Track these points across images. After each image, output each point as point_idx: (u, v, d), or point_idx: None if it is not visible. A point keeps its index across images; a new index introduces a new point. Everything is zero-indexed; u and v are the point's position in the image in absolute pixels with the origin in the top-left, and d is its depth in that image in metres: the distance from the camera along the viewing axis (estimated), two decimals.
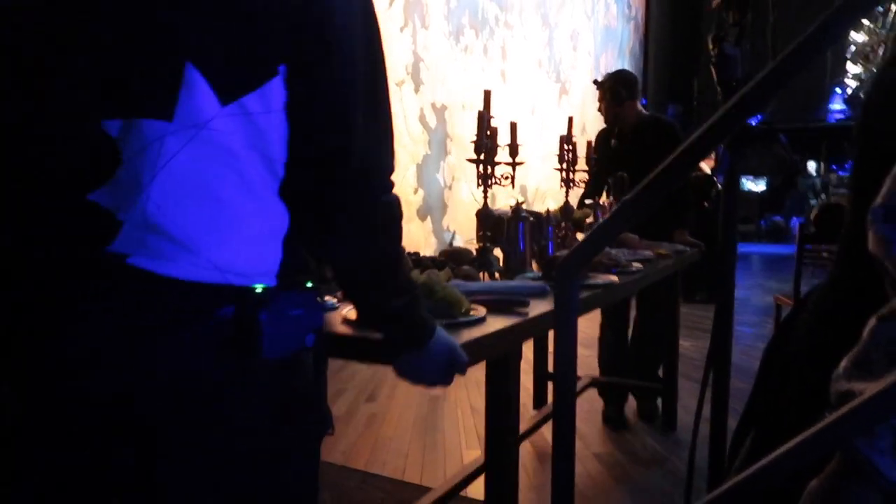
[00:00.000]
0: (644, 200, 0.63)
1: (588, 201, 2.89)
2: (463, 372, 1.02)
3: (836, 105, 14.49)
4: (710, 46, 1.51)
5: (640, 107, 3.23)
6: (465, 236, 6.86)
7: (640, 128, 3.14)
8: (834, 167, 13.69)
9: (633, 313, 3.29)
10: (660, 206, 2.79)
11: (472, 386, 3.62)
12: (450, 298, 1.22)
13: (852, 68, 10.79)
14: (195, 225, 0.73)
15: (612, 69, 11.47)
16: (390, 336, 0.96)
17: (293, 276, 0.82)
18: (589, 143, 3.00)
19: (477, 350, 1.10)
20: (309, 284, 0.85)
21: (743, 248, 6.26)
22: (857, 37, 9.90)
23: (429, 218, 6.22)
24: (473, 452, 2.68)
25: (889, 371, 0.63)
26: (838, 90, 14.16)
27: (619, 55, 11.77)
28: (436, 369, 0.98)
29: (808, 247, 3.70)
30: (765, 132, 1.57)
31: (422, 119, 6.02)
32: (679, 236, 3.08)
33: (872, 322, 0.68)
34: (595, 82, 3.35)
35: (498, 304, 1.37)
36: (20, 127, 0.74)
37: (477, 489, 2.35)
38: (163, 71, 0.71)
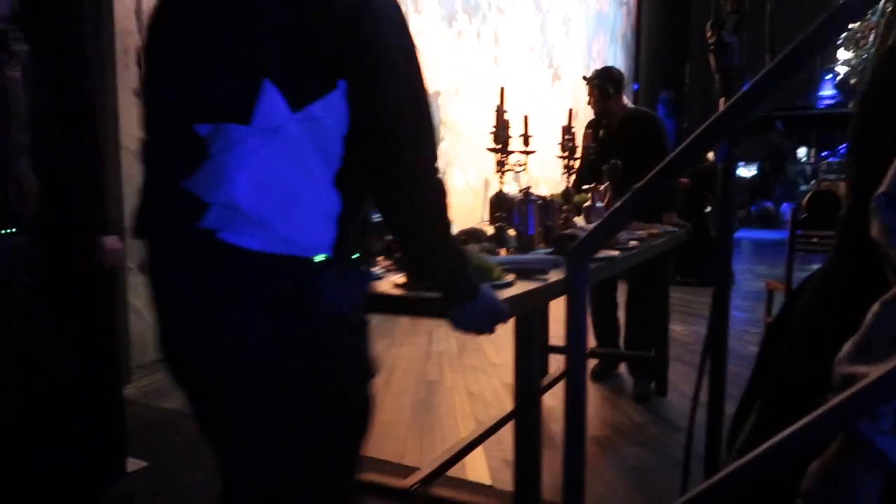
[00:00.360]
0: (655, 188, 0.64)
1: (586, 186, 2.96)
2: (505, 320, 1.22)
3: (827, 91, 14.54)
4: (709, 34, 1.52)
5: (625, 100, 3.46)
6: (459, 224, 6.87)
7: (627, 122, 3.37)
8: (824, 153, 13.75)
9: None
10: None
11: (467, 371, 3.65)
12: (483, 266, 1.42)
13: (843, 54, 10.82)
14: (268, 208, 0.93)
15: (605, 55, 11.46)
16: (446, 294, 1.14)
17: (345, 249, 1.01)
18: (564, 127, 3.11)
19: (509, 307, 1.27)
20: (356, 256, 1.06)
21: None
22: (851, 24, 9.93)
23: None
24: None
25: (891, 354, 0.65)
26: (828, 76, 14.21)
27: (611, 41, 11.76)
28: (482, 320, 1.17)
29: (799, 232, 3.73)
30: (762, 119, 1.59)
31: None
32: (668, 218, 3.26)
33: (876, 307, 0.70)
34: (584, 78, 3.53)
35: (522, 272, 1.59)
36: (165, 122, 1.00)
37: (475, 470, 2.38)
38: (245, 86, 0.92)
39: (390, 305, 1.39)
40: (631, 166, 2.91)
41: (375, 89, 0.97)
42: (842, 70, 11.49)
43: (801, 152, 14.97)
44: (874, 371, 0.60)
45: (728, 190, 1.60)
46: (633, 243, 2.37)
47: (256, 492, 1.02)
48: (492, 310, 1.17)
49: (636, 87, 13.44)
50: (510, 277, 1.51)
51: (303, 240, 0.96)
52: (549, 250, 2.06)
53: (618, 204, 0.73)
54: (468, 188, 7.01)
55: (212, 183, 0.93)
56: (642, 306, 3.30)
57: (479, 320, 1.17)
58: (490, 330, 1.19)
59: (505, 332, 3.83)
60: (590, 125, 3.46)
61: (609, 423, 2.92)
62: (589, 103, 3.48)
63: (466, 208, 6.96)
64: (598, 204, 2.95)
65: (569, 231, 2.20)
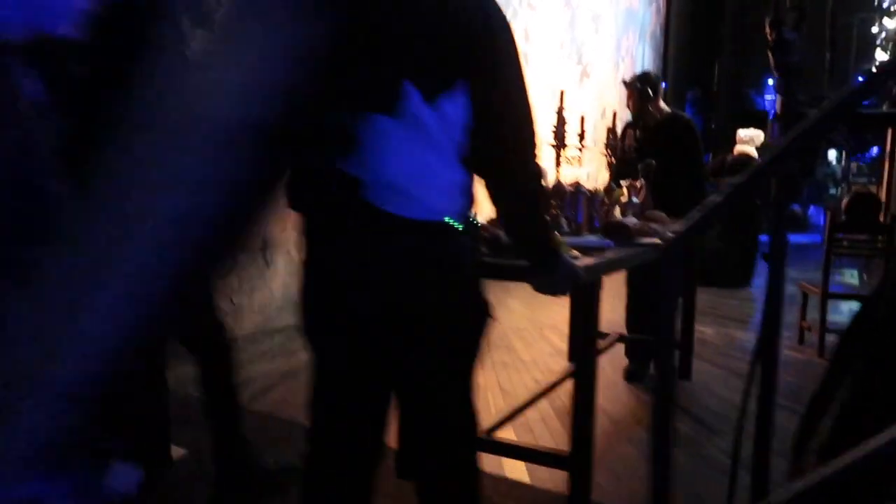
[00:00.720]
0: (753, 185, 0.64)
1: (622, 182, 3.07)
2: (581, 281, 1.51)
3: None
4: (768, 30, 1.50)
5: (662, 104, 3.58)
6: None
7: (663, 125, 3.52)
8: (856, 156, 13.53)
9: None
10: (683, 188, 3.34)
11: (498, 368, 3.65)
12: (558, 241, 1.63)
13: (880, 55, 10.61)
14: (414, 183, 1.18)
15: (633, 52, 11.38)
16: (538, 259, 1.42)
17: (467, 214, 1.29)
18: (609, 128, 3.35)
19: (585, 273, 1.55)
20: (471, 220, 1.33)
21: (760, 237, 6.35)
22: (889, 23, 9.72)
23: None
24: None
25: None
26: (861, 78, 13.96)
27: (640, 38, 11.65)
28: (563, 284, 1.47)
29: (840, 235, 3.67)
30: (884, 116, 1.58)
31: None
32: None
33: None
34: (624, 82, 3.69)
35: (584, 250, 1.95)
36: (312, 116, 1.18)
37: (516, 469, 2.38)
38: (391, 86, 1.16)
39: (492, 272, 1.69)
40: (664, 167, 3.20)
41: (496, 89, 1.25)
42: None
43: (832, 154, 14.74)
44: None
45: (786, 192, 1.58)
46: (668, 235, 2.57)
47: (446, 408, 1.33)
48: (571, 274, 1.46)
49: (665, 85, 13.33)
50: (576, 253, 1.84)
51: (442, 208, 1.22)
52: (597, 236, 2.39)
53: (717, 199, 0.73)
54: None
55: (367, 164, 1.16)
56: (645, 294, 3.51)
57: (560, 284, 1.47)
58: (566, 292, 1.52)
59: (533, 330, 3.83)
60: (629, 126, 3.62)
61: (624, 400, 2.91)
62: (628, 105, 3.62)
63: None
64: (634, 199, 3.05)
65: (617, 220, 2.47)
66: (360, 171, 1.16)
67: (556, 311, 5.31)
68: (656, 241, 2.31)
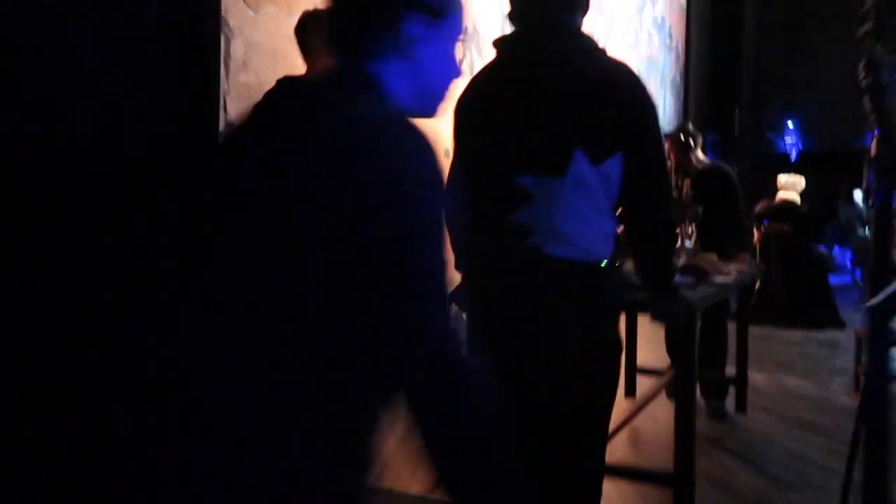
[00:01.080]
0: None
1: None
2: (693, 309, 2.06)
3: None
4: (863, 74, 1.48)
5: (700, 153, 3.88)
6: None
7: (702, 174, 3.79)
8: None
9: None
10: (726, 233, 3.59)
11: None
12: None
13: None
14: (575, 230, 1.46)
15: (656, 98, 11.49)
16: (663, 292, 1.68)
17: (615, 257, 1.59)
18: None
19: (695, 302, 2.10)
20: (616, 263, 1.67)
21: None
22: None
23: None
24: None
25: None
26: None
27: (661, 84, 11.75)
28: (678, 312, 1.80)
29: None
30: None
31: None
32: (742, 258, 3.55)
33: None
34: (665, 135, 3.86)
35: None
36: (489, 177, 1.52)
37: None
38: (562, 152, 1.44)
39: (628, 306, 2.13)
40: (707, 213, 3.45)
41: (644, 153, 1.54)
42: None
43: (857, 195, 14.58)
44: None
45: (883, 236, 1.54)
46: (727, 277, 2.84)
47: (587, 431, 1.54)
48: (684, 305, 1.84)
49: (706, 136, 13.37)
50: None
51: (597, 251, 1.51)
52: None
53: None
54: None
55: (537, 216, 1.45)
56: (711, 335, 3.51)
57: (676, 312, 1.79)
58: (679, 320, 1.95)
59: None
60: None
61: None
62: (669, 157, 3.74)
63: None
64: (687, 243, 3.11)
65: (694, 262, 2.74)
66: (531, 222, 1.47)
67: None
68: (727, 279, 2.76)
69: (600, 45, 1.55)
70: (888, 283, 1.51)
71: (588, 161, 1.44)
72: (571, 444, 1.48)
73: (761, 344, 5.78)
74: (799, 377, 4.64)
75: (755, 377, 4.60)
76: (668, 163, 3.48)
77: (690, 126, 3.94)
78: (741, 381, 3.76)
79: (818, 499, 2.50)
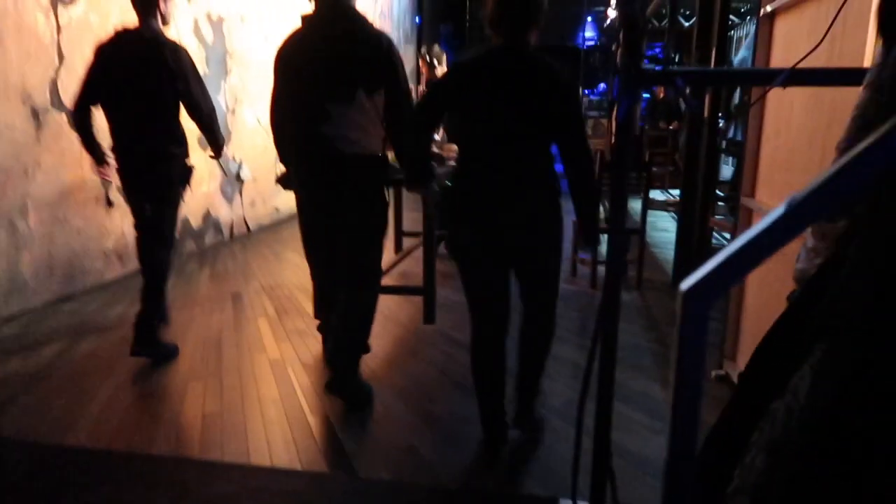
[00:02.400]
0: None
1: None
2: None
3: (589, 32, 15.69)
4: None
5: (443, 69, 5.07)
6: (252, 165, 6.27)
7: None
8: (587, 91, 14.90)
9: None
10: None
11: (294, 337, 3.34)
12: None
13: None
14: (359, 137, 2.47)
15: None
16: (408, 176, 2.32)
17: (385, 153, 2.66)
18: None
19: None
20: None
21: None
22: None
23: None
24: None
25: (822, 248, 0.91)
26: (590, 18, 15.30)
27: None
28: (426, 188, 2.30)
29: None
30: (661, 74, 1.49)
31: (196, 32, 5.23)
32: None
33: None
34: (419, 55, 5.47)
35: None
36: (304, 104, 2.45)
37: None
38: (349, 89, 2.40)
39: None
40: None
41: (394, 88, 2.48)
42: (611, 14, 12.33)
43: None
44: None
45: (625, 147, 1.50)
46: None
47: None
48: (430, 182, 2.32)
49: (419, 20, 13.30)
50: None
51: (374, 149, 2.53)
52: None
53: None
54: (260, 129, 6.39)
55: (336, 129, 2.43)
56: None
57: (426, 188, 2.31)
58: (429, 192, 2.35)
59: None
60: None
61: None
62: (422, 71, 5.29)
63: (258, 149, 6.37)
64: (436, 136, 4.01)
65: (441, 152, 3.63)
66: (331, 134, 2.44)
67: None
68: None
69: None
70: (625, 201, 1.48)
71: (365, 95, 2.44)
72: (358, 252, 2.61)
73: None
74: None
75: None
76: (423, 77, 5.27)
77: (436, 48, 5.22)
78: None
79: (552, 388, 2.68)
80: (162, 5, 2.83)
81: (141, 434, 2.32)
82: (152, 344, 2.91)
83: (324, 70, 2.41)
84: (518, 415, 2.32)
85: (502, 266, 2.18)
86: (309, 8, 2.54)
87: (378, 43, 2.42)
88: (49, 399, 2.57)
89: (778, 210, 0.49)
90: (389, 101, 2.46)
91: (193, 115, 2.89)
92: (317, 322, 3.07)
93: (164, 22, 2.86)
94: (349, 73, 2.41)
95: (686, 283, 0.52)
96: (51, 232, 3.78)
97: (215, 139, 3.01)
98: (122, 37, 2.80)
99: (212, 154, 3.09)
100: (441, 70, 5.01)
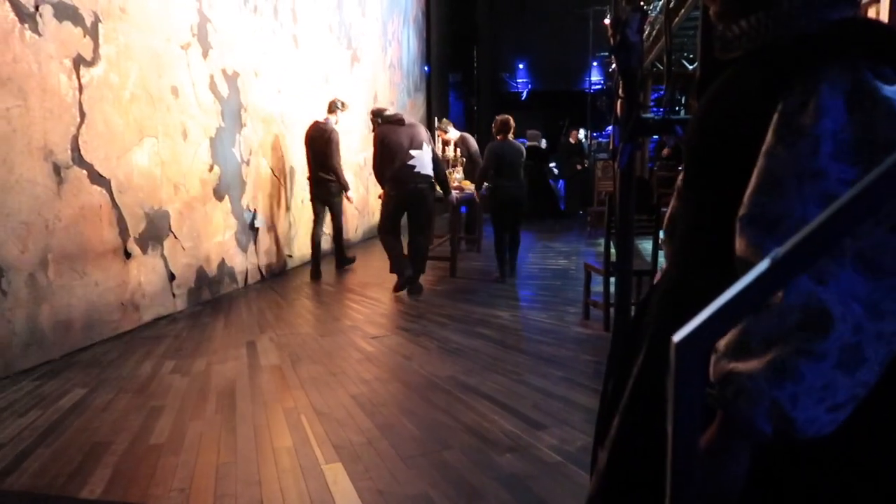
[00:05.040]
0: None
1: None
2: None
3: (595, 77, 15.96)
4: (610, 32, 1.42)
5: (453, 130, 7.78)
6: (266, 214, 6.37)
7: (458, 142, 7.88)
8: (595, 134, 15.08)
9: None
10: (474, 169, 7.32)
11: (308, 385, 3.35)
12: None
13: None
14: (428, 167, 5.53)
15: (399, 37, 11.40)
16: (444, 193, 5.93)
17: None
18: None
19: None
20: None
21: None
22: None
23: (227, 197, 5.64)
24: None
25: (767, 352, 0.74)
26: (595, 62, 15.59)
27: (405, 23, 11.72)
28: (453, 203, 6.36)
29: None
30: (661, 123, 1.54)
31: (212, 87, 5.39)
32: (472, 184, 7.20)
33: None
34: (438, 127, 7.62)
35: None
36: (398, 153, 5.38)
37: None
38: (422, 145, 5.48)
39: None
40: (466, 164, 7.72)
41: (435, 154, 5.83)
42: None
43: (581, 133, 16.27)
44: (753, 365, 0.75)
45: (628, 192, 1.54)
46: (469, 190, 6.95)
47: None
48: (453, 199, 6.22)
49: (428, 69, 13.61)
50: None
51: (431, 174, 5.56)
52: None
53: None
54: (274, 179, 6.52)
55: (417, 164, 5.33)
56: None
57: (453, 203, 6.35)
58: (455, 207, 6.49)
59: (337, 334, 3.53)
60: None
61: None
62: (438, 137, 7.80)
63: (272, 198, 6.49)
64: (458, 175, 7.32)
65: (460, 185, 6.98)
66: (416, 164, 5.36)
67: (354, 310, 5.10)
68: (469, 191, 6.79)
69: None
70: (632, 243, 1.51)
71: (430, 147, 5.47)
72: (424, 229, 5.59)
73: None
74: (540, 310, 5.01)
75: (502, 314, 4.88)
76: (438, 138, 7.67)
77: (444, 119, 7.94)
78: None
79: (567, 435, 2.67)
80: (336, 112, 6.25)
81: (156, 485, 2.33)
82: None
83: (406, 139, 5.30)
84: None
85: (510, 214, 6.01)
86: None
87: (421, 128, 5.54)
88: (65, 451, 2.59)
89: (762, 265, 0.52)
90: (434, 154, 5.54)
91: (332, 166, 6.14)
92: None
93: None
94: (421, 139, 5.40)
95: (679, 335, 0.55)
96: (70, 284, 3.85)
97: (340, 182, 6.21)
98: (316, 124, 6.12)
99: (345, 192, 6.34)
100: (451, 132, 7.62)
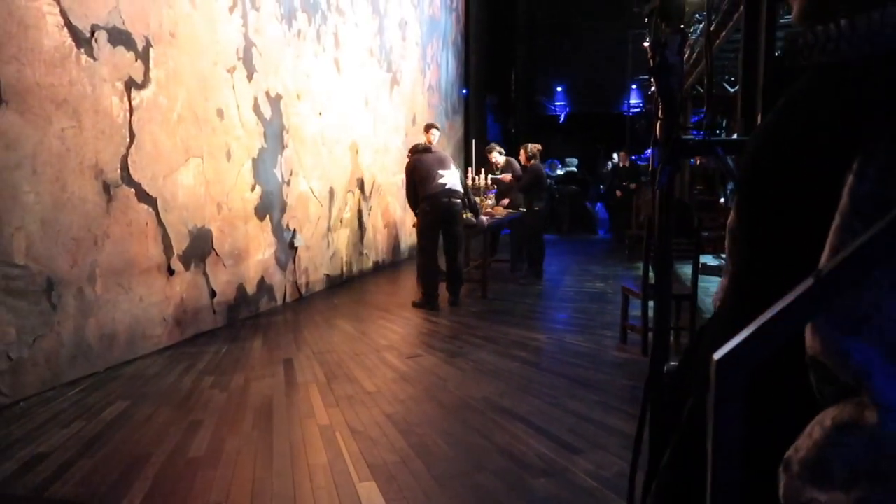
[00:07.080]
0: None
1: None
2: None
3: (634, 99, 15.88)
4: (650, 53, 1.42)
5: (499, 156, 8.01)
6: (306, 234, 6.47)
7: (503, 167, 8.04)
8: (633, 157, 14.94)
9: None
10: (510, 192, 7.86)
11: (343, 403, 3.36)
12: None
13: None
14: (458, 185, 6.13)
15: (439, 59, 11.53)
16: (475, 215, 6.44)
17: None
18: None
19: None
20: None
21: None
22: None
23: (268, 216, 5.76)
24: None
25: (854, 486, 0.56)
26: (634, 85, 15.52)
27: (444, 46, 11.87)
28: (482, 227, 6.57)
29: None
30: (701, 144, 1.52)
31: (255, 109, 5.53)
32: (504, 209, 7.65)
33: (827, 425, 0.59)
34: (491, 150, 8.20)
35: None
36: (431, 175, 5.93)
37: None
38: (449, 166, 6.18)
39: None
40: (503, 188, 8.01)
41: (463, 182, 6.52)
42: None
43: (615, 157, 16.17)
44: (837, 499, 0.57)
45: (666, 215, 1.53)
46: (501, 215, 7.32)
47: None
48: (482, 223, 6.69)
49: (466, 92, 13.74)
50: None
51: (462, 194, 6.20)
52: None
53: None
54: (314, 199, 6.63)
55: (448, 182, 5.91)
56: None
57: (482, 227, 6.63)
58: (484, 230, 6.73)
59: (371, 354, 3.56)
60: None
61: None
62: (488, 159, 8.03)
63: (312, 218, 6.59)
64: (490, 200, 7.61)
65: (492, 211, 7.26)
66: (448, 183, 5.90)
67: (390, 330, 5.12)
68: (501, 216, 7.19)
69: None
70: (670, 266, 1.49)
71: (457, 170, 6.15)
72: (458, 242, 6.05)
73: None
74: (576, 333, 4.95)
75: (538, 337, 4.84)
76: (489, 161, 7.98)
77: (492, 144, 8.19)
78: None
79: (602, 460, 2.62)
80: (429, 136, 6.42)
81: (193, 499, 2.36)
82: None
83: (437, 164, 5.88)
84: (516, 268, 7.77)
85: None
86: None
87: (447, 154, 6.23)
88: (107, 462, 2.65)
89: (806, 282, 0.52)
90: (461, 176, 6.09)
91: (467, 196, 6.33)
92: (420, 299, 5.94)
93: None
94: (449, 162, 6.01)
95: (719, 353, 0.54)
96: (115, 299, 3.96)
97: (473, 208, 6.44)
98: (420, 146, 6.14)
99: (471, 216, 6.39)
100: (496, 156, 7.88)
